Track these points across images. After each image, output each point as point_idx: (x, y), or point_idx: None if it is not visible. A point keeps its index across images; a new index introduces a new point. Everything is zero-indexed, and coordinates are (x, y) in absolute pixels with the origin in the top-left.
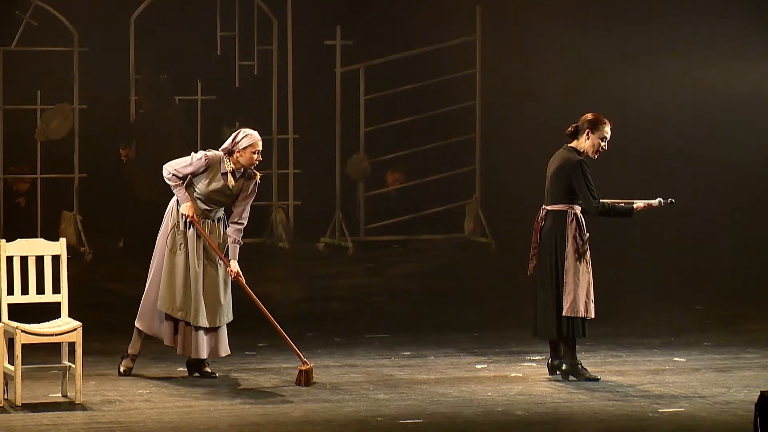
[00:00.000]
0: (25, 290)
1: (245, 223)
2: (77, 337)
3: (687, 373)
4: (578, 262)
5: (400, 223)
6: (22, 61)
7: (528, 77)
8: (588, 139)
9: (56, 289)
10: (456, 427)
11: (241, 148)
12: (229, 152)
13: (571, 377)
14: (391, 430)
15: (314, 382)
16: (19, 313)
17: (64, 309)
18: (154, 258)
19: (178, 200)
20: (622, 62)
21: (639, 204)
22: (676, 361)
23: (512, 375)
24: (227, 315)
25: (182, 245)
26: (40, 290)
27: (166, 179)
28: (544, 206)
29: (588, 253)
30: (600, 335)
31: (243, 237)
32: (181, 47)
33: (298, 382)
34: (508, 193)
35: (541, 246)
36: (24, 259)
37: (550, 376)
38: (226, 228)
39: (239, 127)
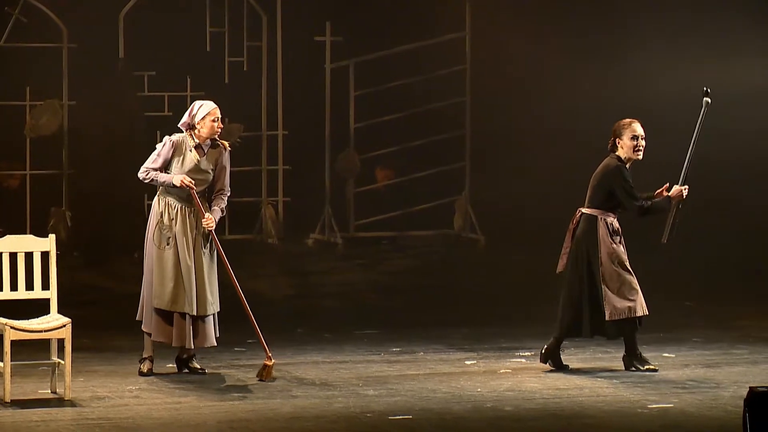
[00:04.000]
0: (14, 286)
1: (229, 193)
2: (66, 334)
3: (676, 369)
4: (614, 266)
5: (389, 220)
6: (11, 57)
7: (517, 73)
8: (621, 146)
9: (45, 286)
10: (445, 423)
11: (200, 118)
12: (190, 126)
13: (632, 368)
14: (381, 426)
15: (273, 378)
16: (8, 309)
17: (54, 305)
18: (145, 260)
19: (165, 189)
20: (613, 58)
21: (671, 192)
22: (665, 356)
23: (501, 371)
24: (214, 305)
25: (170, 239)
26: (29, 286)
27: (143, 179)
28: (580, 208)
29: (621, 255)
30: None
31: (232, 234)
32: (171, 43)
33: (258, 376)
34: (498, 190)
35: (573, 248)
36: (13, 256)
37: (546, 365)
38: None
39: (228, 124)
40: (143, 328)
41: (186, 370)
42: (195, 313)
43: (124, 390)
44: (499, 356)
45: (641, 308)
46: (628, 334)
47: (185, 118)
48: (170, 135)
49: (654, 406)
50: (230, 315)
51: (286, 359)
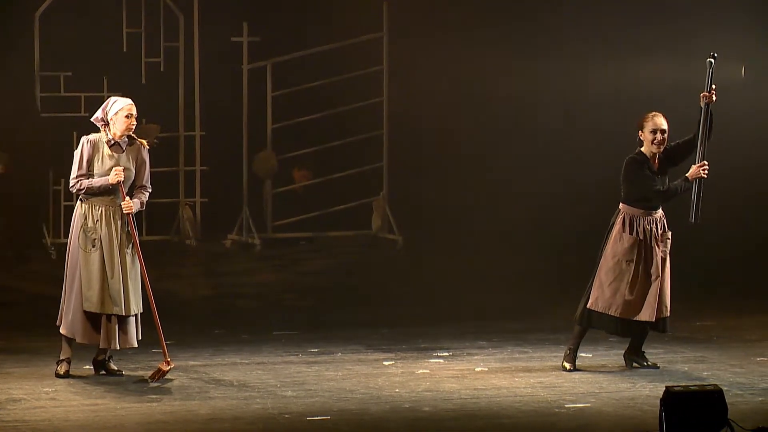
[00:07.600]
0: None
1: (150, 189)
2: None
3: (593, 369)
4: (612, 260)
5: (307, 220)
6: None
7: (435, 74)
8: (643, 140)
9: None
10: (363, 424)
11: (113, 114)
12: (104, 122)
13: (564, 363)
14: (299, 428)
15: (166, 379)
16: None
17: None
18: (67, 263)
19: (97, 192)
20: (532, 57)
21: (688, 173)
22: (582, 356)
23: (419, 371)
24: (137, 305)
25: (96, 240)
26: None
27: (77, 192)
28: None
29: (627, 254)
30: (507, 331)
31: (149, 234)
32: (87, 44)
33: (150, 378)
34: (415, 190)
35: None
36: None
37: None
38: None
39: (145, 124)
40: (62, 331)
41: (103, 372)
42: (123, 313)
43: (41, 392)
44: (417, 357)
45: (616, 309)
46: (579, 329)
47: (99, 113)
48: (87, 135)
49: (571, 406)
50: (147, 316)
51: (203, 360)
